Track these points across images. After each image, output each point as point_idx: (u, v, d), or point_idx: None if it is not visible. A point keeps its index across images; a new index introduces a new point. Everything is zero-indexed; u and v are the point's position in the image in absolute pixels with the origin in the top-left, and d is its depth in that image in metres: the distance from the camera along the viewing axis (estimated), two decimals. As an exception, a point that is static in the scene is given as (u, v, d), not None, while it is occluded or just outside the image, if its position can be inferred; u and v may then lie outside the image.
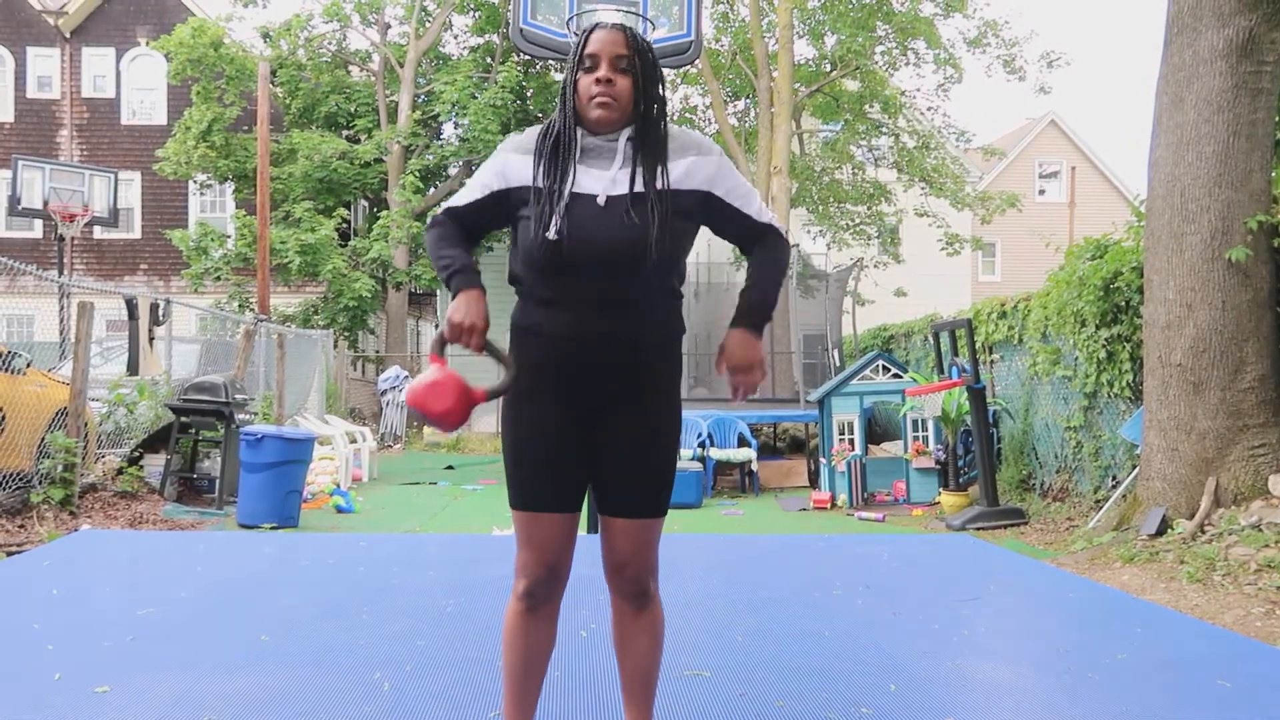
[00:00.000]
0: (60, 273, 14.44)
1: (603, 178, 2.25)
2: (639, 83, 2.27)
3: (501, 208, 2.35)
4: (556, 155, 2.27)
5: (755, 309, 2.38)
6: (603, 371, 2.24)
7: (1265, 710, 3.05)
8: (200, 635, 3.74)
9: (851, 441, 10.41)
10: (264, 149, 14.34)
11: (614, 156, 2.27)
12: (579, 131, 2.29)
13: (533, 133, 2.37)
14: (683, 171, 2.29)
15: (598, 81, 2.23)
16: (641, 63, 2.28)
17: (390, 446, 16.58)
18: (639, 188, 2.24)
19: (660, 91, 2.33)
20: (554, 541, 2.30)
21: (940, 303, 19.69)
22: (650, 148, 2.28)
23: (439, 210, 2.41)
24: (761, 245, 2.42)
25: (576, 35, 2.35)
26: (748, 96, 22.46)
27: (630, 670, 2.42)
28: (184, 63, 19.05)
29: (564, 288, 2.23)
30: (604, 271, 2.20)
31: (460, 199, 2.38)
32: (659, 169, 2.27)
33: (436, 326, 24.93)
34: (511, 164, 2.34)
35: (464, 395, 2.18)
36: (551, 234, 2.19)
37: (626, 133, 2.28)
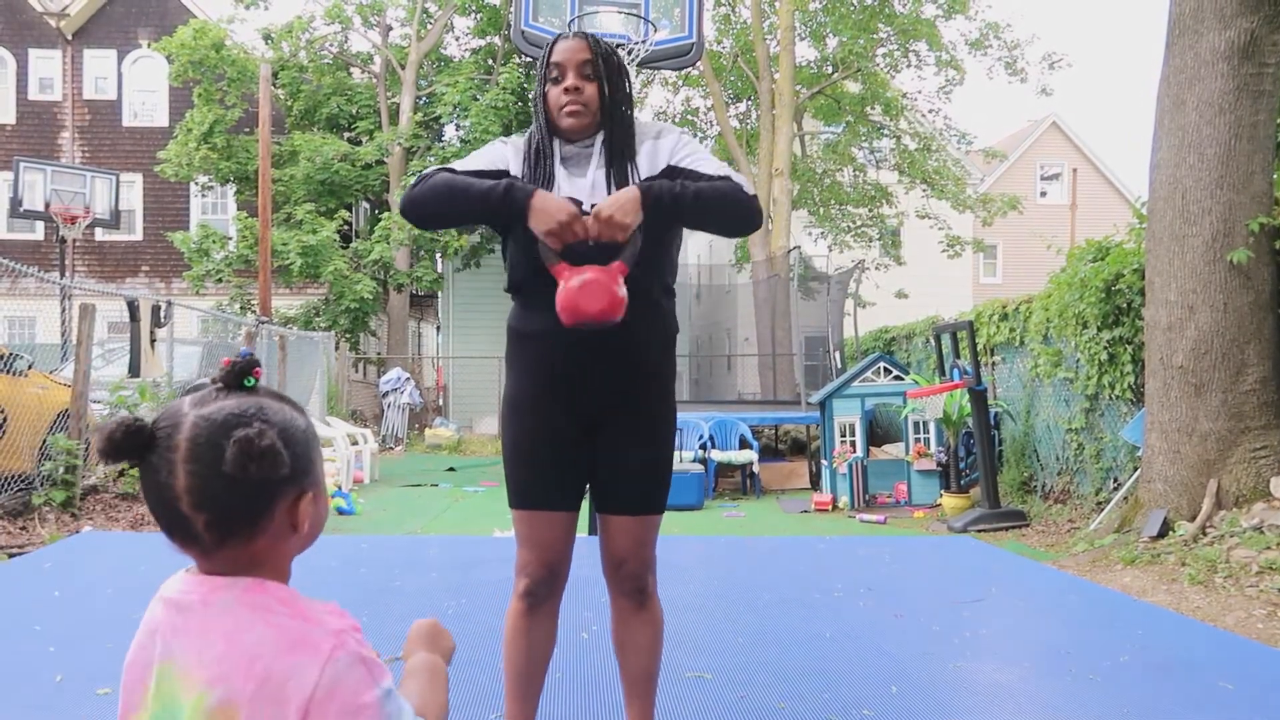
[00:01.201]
0: (62, 275, 14.45)
1: (584, 186, 2.28)
2: (604, 87, 2.30)
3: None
4: (540, 163, 2.31)
5: (669, 184, 2.18)
6: (601, 371, 2.26)
7: (1267, 712, 3.04)
8: (202, 637, 3.74)
9: (853, 443, 10.41)
10: (265, 151, 14.35)
11: (589, 163, 2.31)
12: (556, 142, 2.33)
13: (520, 138, 2.41)
14: (646, 159, 2.33)
15: (565, 90, 2.27)
16: (606, 67, 2.31)
17: (391, 448, 16.59)
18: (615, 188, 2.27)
19: (627, 92, 2.36)
20: (554, 540, 2.32)
21: (942, 305, 19.69)
22: (624, 151, 2.32)
23: (435, 168, 2.30)
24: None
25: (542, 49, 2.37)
26: (749, 98, 22.50)
27: (631, 669, 2.43)
28: (185, 64, 19.06)
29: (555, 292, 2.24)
30: None
31: (464, 164, 2.33)
32: (630, 168, 2.30)
33: (438, 329, 24.94)
34: (510, 153, 2.38)
35: (612, 278, 2.08)
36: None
37: (600, 137, 2.32)
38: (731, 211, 2.24)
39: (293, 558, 1.24)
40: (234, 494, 1.13)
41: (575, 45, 2.29)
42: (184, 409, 1.17)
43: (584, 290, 2.07)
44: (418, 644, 1.41)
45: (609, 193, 2.26)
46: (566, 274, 2.10)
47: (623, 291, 2.09)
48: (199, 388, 1.21)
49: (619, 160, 2.30)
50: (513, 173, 2.33)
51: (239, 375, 1.21)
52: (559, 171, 2.30)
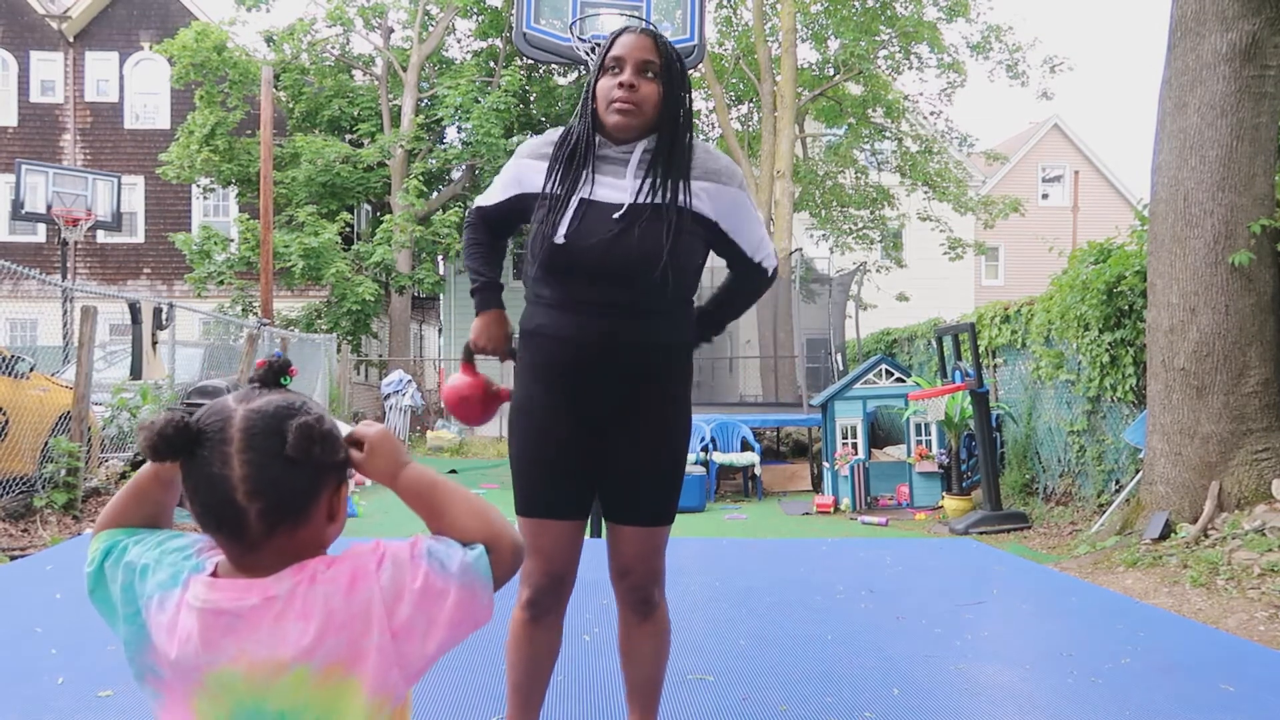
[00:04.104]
0: (64, 277, 14.49)
1: (618, 187, 2.20)
2: (665, 92, 2.20)
3: (521, 211, 2.35)
4: (572, 162, 2.23)
5: (711, 322, 2.50)
6: (610, 377, 2.20)
7: (1268, 714, 3.04)
8: (203, 639, 3.73)
9: (855, 445, 10.41)
10: (267, 153, 14.36)
11: (626, 167, 2.21)
12: (597, 139, 2.24)
13: (550, 136, 2.32)
14: (698, 194, 2.23)
15: (620, 85, 2.16)
16: (669, 73, 2.21)
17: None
18: (656, 200, 2.18)
19: (688, 104, 2.27)
20: (560, 550, 2.26)
21: (943, 307, 19.70)
22: (674, 162, 2.21)
23: (474, 206, 2.46)
24: (744, 277, 2.43)
25: (597, 41, 2.34)
26: (751, 100, 22.49)
27: (635, 677, 2.40)
28: (187, 67, 19.09)
29: (570, 292, 2.20)
30: (611, 280, 2.16)
31: (489, 198, 2.42)
32: (680, 184, 2.21)
33: (440, 331, 24.97)
34: (526, 170, 2.31)
35: (489, 400, 2.52)
36: (559, 238, 2.16)
37: (644, 144, 2.22)
38: (749, 305, 2.55)
39: (328, 548, 1.28)
40: (290, 478, 1.18)
41: (641, 42, 2.19)
42: (230, 404, 1.21)
43: (460, 404, 2.52)
44: (385, 460, 1.31)
45: (649, 200, 2.18)
46: (461, 375, 2.53)
47: (486, 411, 2.52)
48: (206, 389, 1.24)
49: (672, 174, 2.20)
50: (530, 186, 2.28)
51: (276, 374, 1.27)
52: (594, 175, 2.21)
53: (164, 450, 1.17)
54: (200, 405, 1.23)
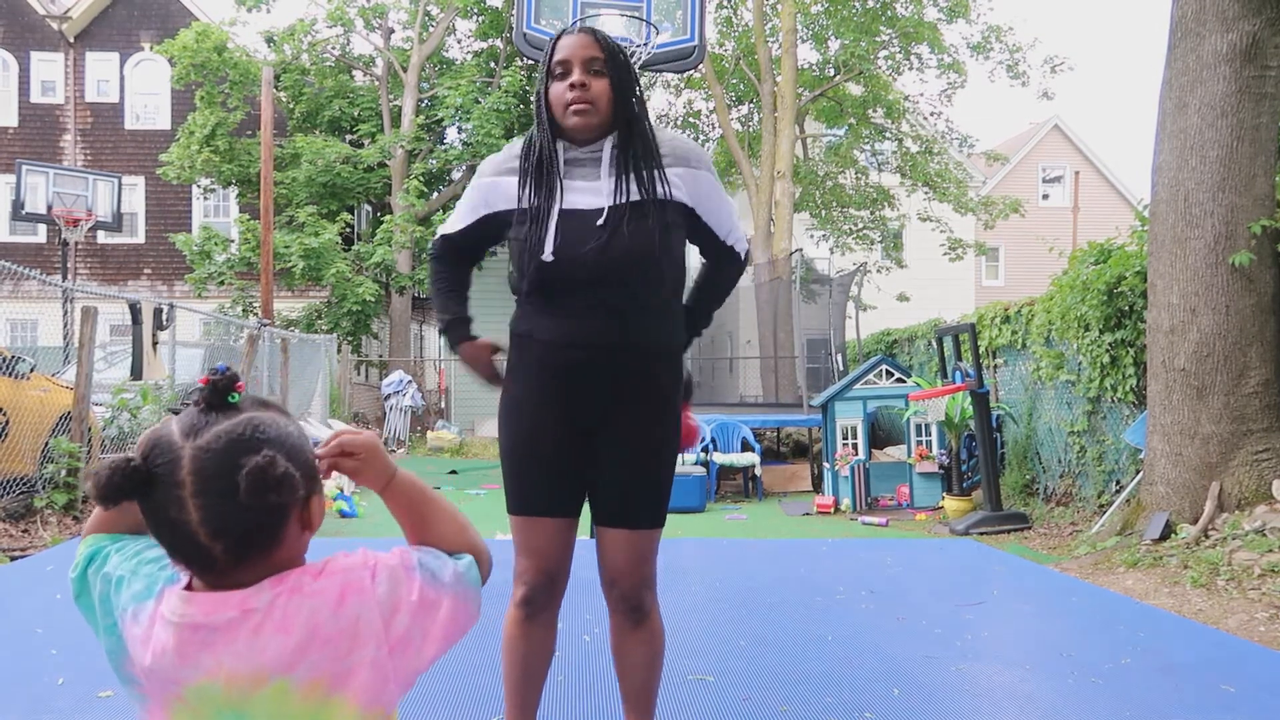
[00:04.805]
0: (64, 278, 14.50)
1: (593, 190, 2.20)
2: (616, 86, 2.20)
3: (491, 230, 2.36)
4: (541, 172, 2.22)
5: (698, 315, 2.47)
6: (600, 379, 2.20)
7: (1268, 714, 3.04)
8: (203, 639, 3.73)
9: (855, 446, 10.40)
10: (267, 153, 14.36)
11: (599, 167, 2.21)
12: (560, 144, 2.23)
13: (512, 150, 2.32)
14: (675, 181, 2.24)
15: (571, 87, 2.16)
16: (615, 65, 2.21)
17: (394, 451, 16.58)
18: (635, 197, 2.18)
19: (639, 93, 2.28)
20: (551, 547, 2.27)
21: (943, 307, 19.68)
22: (642, 154, 2.21)
23: (437, 235, 2.45)
24: (718, 263, 2.43)
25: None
26: (751, 101, 22.50)
27: (628, 683, 2.39)
28: (187, 67, 19.09)
29: (562, 301, 2.20)
30: (603, 286, 2.16)
31: (453, 224, 2.41)
32: (655, 176, 2.21)
33: (441, 333, 24.96)
34: (491, 188, 2.32)
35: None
36: (547, 256, 2.16)
37: (610, 140, 2.22)
38: (727, 292, 2.53)
39: (305, 550, 1.24)
40: (251, 516, 1.12)
41: (582, 40, 2.19)
42: (176, 440, 1.13)
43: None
44: (378, 468, 1.31)
45: (626, 199, 2.17)
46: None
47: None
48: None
49: (643, 167, 2.20)
50: (501, 204, 2.29)
51: (222, 394, 1.16)
52: (564, 182, 2.21)
53: (113, 497, 1.11)
54: None
